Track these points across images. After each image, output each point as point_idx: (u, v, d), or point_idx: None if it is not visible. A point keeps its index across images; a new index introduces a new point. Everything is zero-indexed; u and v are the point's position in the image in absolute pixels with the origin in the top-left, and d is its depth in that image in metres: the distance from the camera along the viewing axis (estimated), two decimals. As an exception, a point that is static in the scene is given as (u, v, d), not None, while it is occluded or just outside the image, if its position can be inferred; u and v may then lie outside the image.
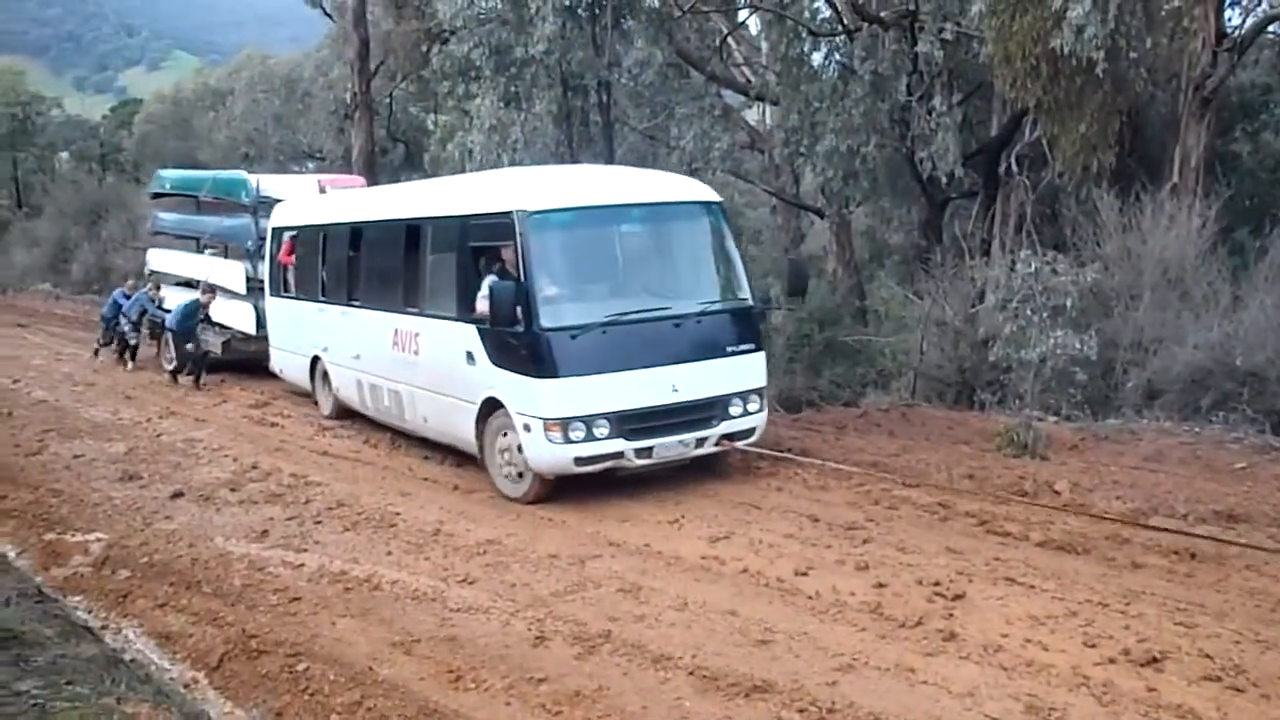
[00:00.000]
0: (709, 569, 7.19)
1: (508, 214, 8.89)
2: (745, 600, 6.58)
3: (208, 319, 16.32)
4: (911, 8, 15.38)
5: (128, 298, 18.31)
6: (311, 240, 13.42)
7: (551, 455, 8.60)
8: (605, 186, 9.98)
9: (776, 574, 6.98)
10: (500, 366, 8.96)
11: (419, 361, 10.24)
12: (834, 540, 7.66)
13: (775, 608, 6.46)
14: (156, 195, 21.69)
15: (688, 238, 9.96)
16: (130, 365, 17.93)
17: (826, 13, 18.11)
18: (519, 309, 8.56)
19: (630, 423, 8.65)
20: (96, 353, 18.89)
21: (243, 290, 16.25)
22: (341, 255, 12.37)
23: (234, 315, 16.48)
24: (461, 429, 9.63)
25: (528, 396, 8.70)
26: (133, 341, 18.03)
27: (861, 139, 15.80)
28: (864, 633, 6.04)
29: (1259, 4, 16.31)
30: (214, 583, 7.24)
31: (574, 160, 16.37)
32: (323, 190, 16.44)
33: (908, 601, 6.48)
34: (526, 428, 8.68)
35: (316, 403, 13.42)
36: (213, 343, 16.59)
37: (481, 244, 9.42)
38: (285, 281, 14.27)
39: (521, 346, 8.70)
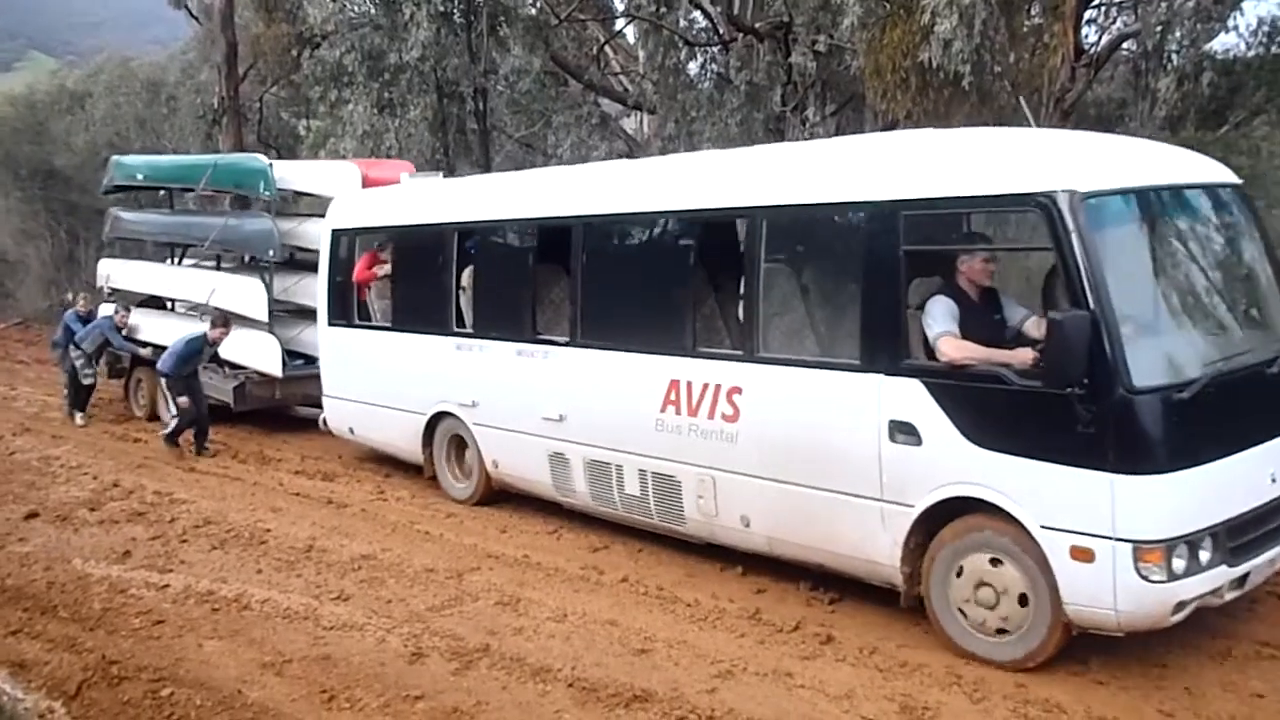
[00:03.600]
0: (589, 579, 7.15)
1: (1029, 198, 5.50)
2: (625, 610, 6.56)
3: (216, 358, 12.10)
4: (785, 19, 15.61)
5: (83, 321, 13.78)
6: (428, 248, 9.47)
7: (1142, 601, 5.21)
8: (1147, 157, 6.46)
9: (657, 583, 6.99)
10: (1000, 449, 5.52)
11: (741, 431, 6.68)
12: (714, 548, 7.66)
13: (655, 616, 6.45)
14: (118, 189, 16.44)
15: (1236, 237, 6.40)
16: (80, 418, 13.44)
17: (703, 23, 18.28)
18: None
19: (1232, 537, 5.43)
20: (73, 414, 13.61)
21: (264, 317, 12.10)
22: (516, 269, 8.60)
23: (252, 351, 12.22)
24: (856, 544, 6.22)
25: (1090, 502, 5.21)
26: (87, 381, 13.46)
27: (738, 147, 15.96)
28: (743, 639, 6.07)
29: (1114, 22, 17.03)
30: (72, 607, 6.90)
31: (451, 172, 16.02)
32: (362, 181, 12.08)
33: (786, 606, 6.54)
34: (1080, 553, 5.25)
35: (432, 478, 9.60)
36: (219, 388, 12.27)
37: (928, 247, 6.10)
38: (362, 307, 10.35)
39: (1078, 417, 5.20)
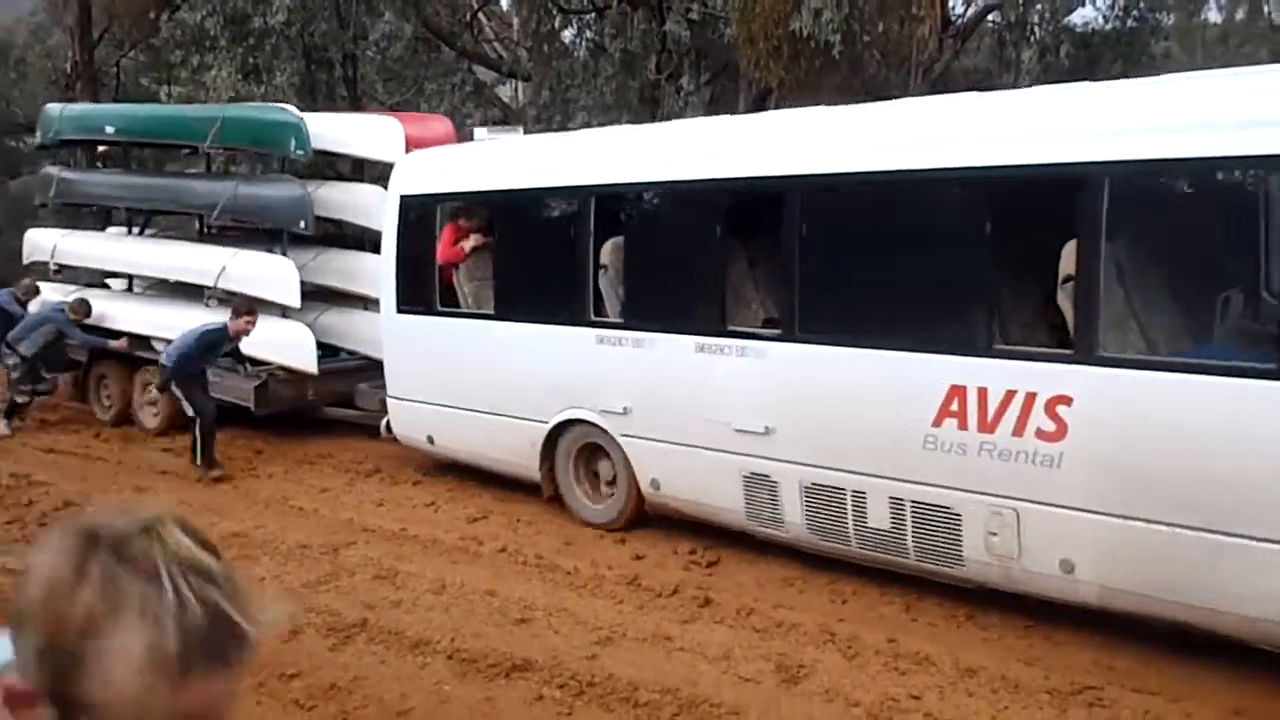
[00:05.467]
0: (467, 550, 7.11)
1: None
2: (504, 579, 6.53)
3: (235, 353, 9.80)
4: (659, -13, 15.63)
5: (22, 305, 11.44)
6: (550, 219, 8.17)
7: None
8: None
9: (536, 551, 6.98)
10: None
11: (1068, 453, 5.14)
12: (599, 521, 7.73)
13: (534, 585, 6.44)
14: (60, 143, 13.37)
15: None
16: (7, 426, 10.85)
17: (577, -10, 18.17)
18: None
19: None
20: (10, 412, 10.99)
21: (296, 302, 10.05)
22: (695, 244, 6.86)
23: (277, 343, 9.99)
24: None
25: None
26: (21, 399, 10.91)
27: (613, 116, 15.94)
28: (622, 605, 6.10)
29: (979, -6, 17.46)
30: (-80, 595, 6.58)
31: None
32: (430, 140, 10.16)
33: (665, 571, 6.61)
34: None
35: (555, 498, 7.80)
36: (235, 388, 10.13)
37: None
38: (447, 290, 8.43)
39: None
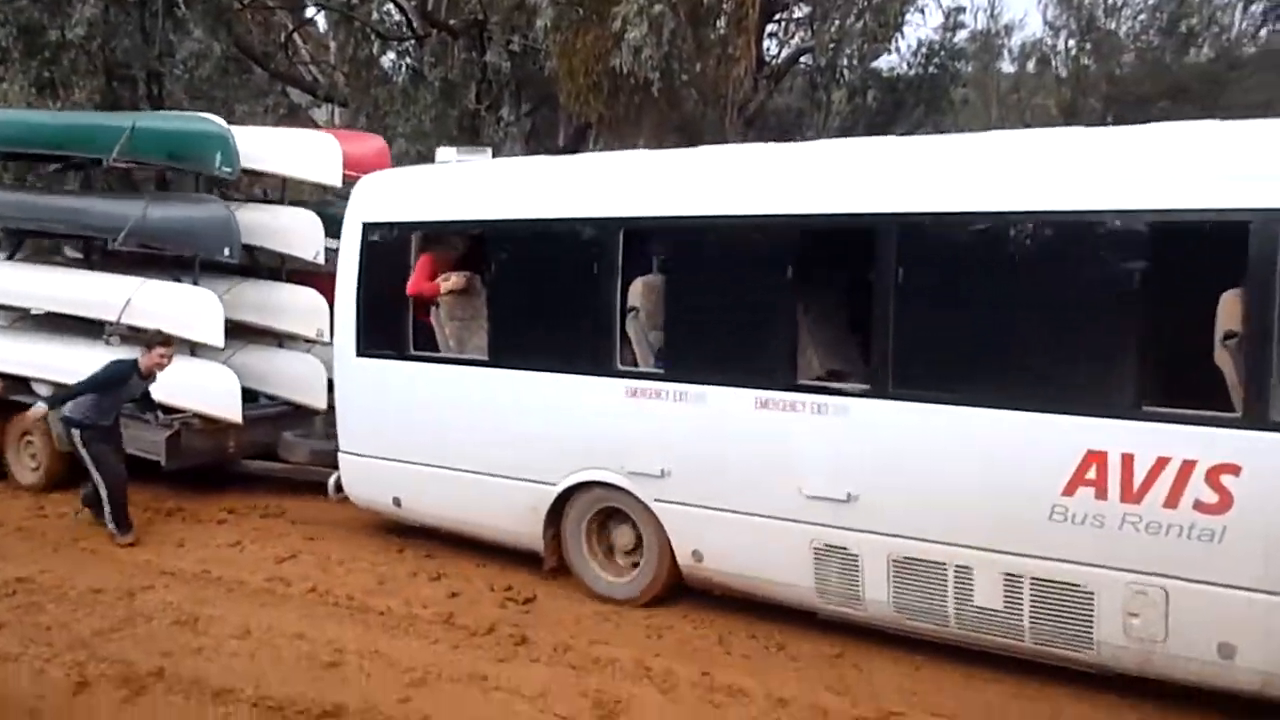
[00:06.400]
0: (274, 591, 6.84)
1: None
2: (314, 621, 6.31)
3: (144, 398, 8.29)
4: (480, 17, 15.61)
5: None
6: (563, 254, 6.77)
7: None
8: None
9: (347, 592, 6.78)
10: None
11: (1232, 527, 4.73)
12: (407, 551, 7.59)
13: (346, 627, 6.24)
14: None
15: None
16: None
17: (396, 16, 17.97)
18: None
19: None
20: None
21: (219, 341, 8.72)
22: (755, 286, 6.08)
23: (198, 387, 8.81)
24: None
25: None
26: None
27: (432, 143, 15.80)
28: (437, 645, 5.98)
29: (793, 37, 18.14)
30: None
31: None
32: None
33: (480, 609, 6.51)
34: None
35: (556, 569, 6.97)
36: (141, 439, 8.71)
37: None
38: (422, 332, 7.44)
39: None
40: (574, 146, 16.64)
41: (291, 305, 9.31)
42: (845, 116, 19.84)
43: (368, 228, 7.57)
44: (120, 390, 7.89)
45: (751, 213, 6.05)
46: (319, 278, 9.21)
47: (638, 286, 6.54)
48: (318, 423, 9.23)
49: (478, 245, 7.39)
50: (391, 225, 7.53)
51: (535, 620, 6.34)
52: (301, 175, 9.91)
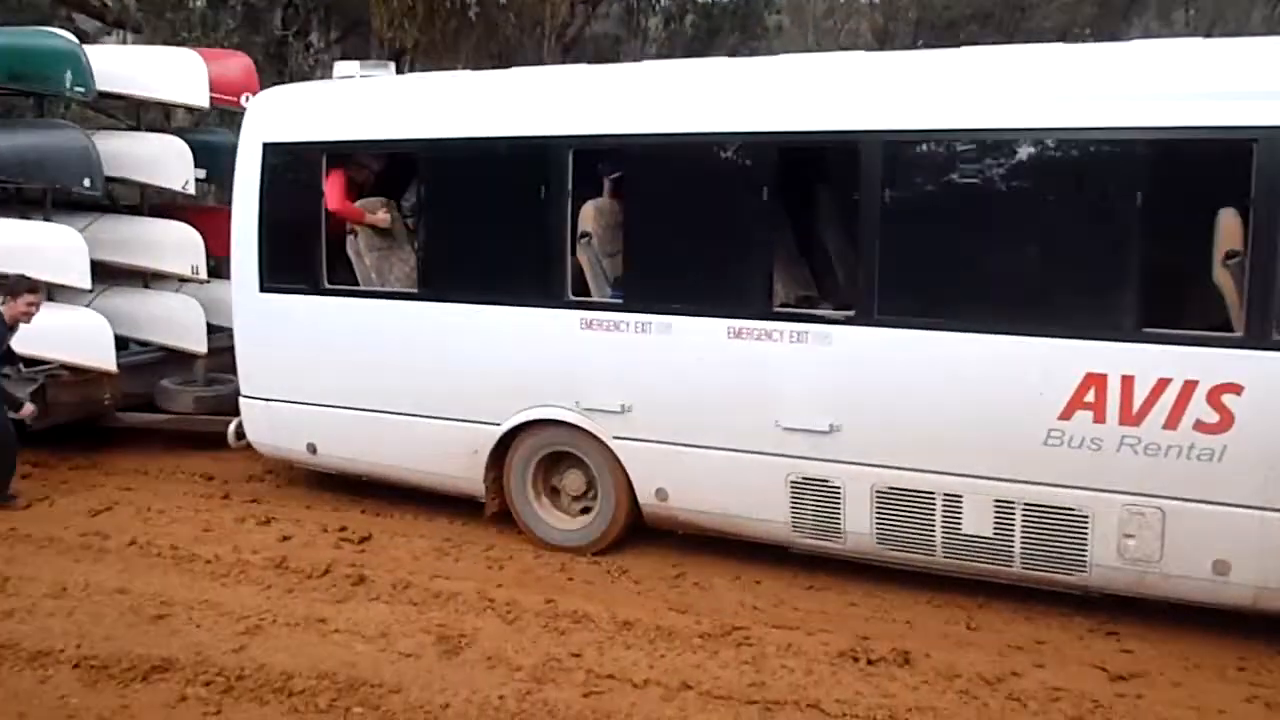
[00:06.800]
0: (91, 546, 6.48)
1: None
2: (136, 575, 6.02)
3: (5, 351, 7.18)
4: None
5: None
6: (505, 176, 6.33)
7: None
8: None
9: (170, 542, 6.47)
10: None
11: (1231, 446, 4.79)
12: (233, 497, 7.34)
13: (171, 578, 5.98)
14: None
15: None
16: None
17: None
18: None
19: None
20: None
21: (86, 283, 7.99)
22: (723, 207, 5.81)
23: (65, 335, 7.86)
24: None
25: None
26: None
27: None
28: (270, 590, 5.80)
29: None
30: None
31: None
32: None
33: (314, 551, 6.35)
34: None
35: (497, 514, 6.60)
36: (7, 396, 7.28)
37: None
38: (339, 262, 6.94)
39: None
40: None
41: (161, 241, 8.67)
42: (662, 43, 19.85)
43: (269, 149, 6.89)
44: None
45: (725, 130, 5.71)
46: (185, 210, 8.76)
47: (589, 211, 6.25)
48: (198, 368, 8.71)
49: (392, 167, 6.98)
50: (298, 147, 6.88)
51: (372, 559, 6.22)
52: (165, 97, 9.18)
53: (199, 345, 8.63)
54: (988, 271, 5.21)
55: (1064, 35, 13.84)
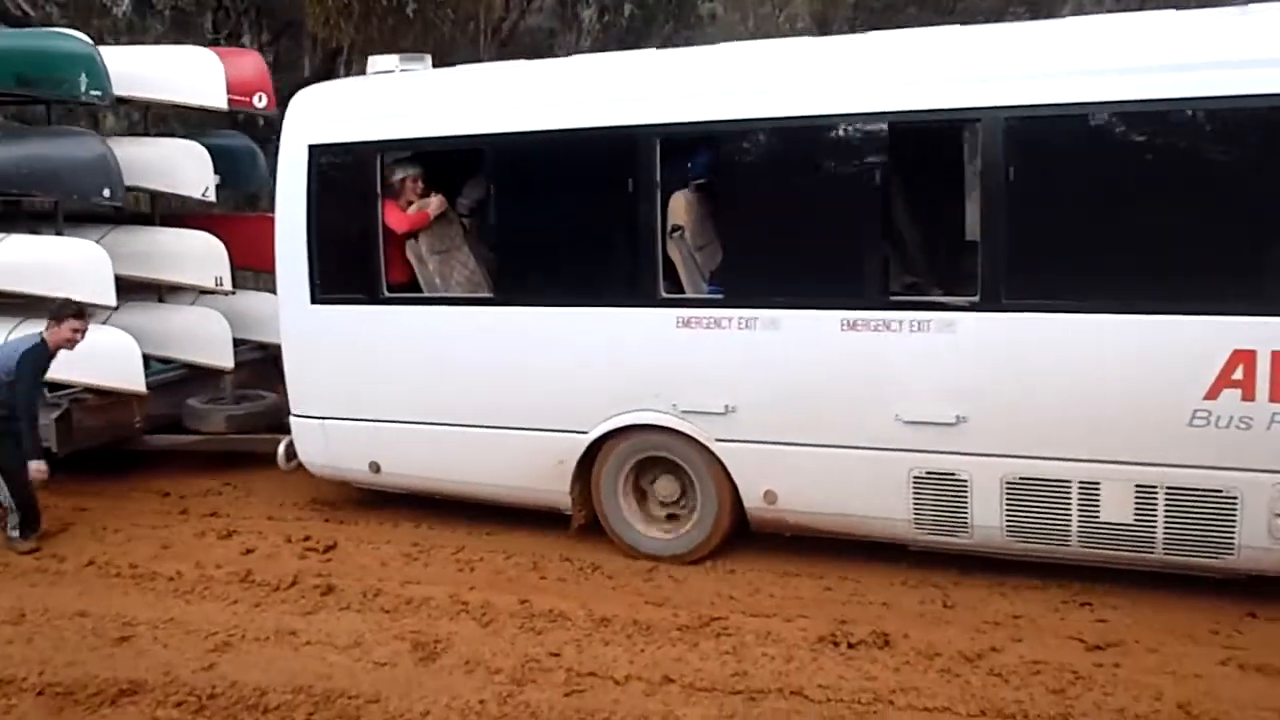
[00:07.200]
0: (47, 570, 6.30)
1: None
2: (96, 597, 5.86)
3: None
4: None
5: None
6: (581, 171, 6.05)
7: None
8: None
9: (129, 560, 6.32)
10: None
11: None
12: (191, 511, 7.19)
13: (133, 598, 5.84)
14: None
15: None
16: None
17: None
18: None
19: None
20: None
21: (112, 300, 7.42)
22: (833, 195, 5.56)
23: (90, 357, 7.01)
24: None
25: None
26: None
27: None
28: (236, 605, 5.67)
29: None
30: None
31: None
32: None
33: (279, 563, 6.23)
34: None
35: (584, 527, 6.25)
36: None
37: None
38: (397, 270, 6.54)
39: None
40: (324, 74, 15.90)
41: (182, 252, 8.18)
42: (596, 35, 19.77)
43: (316, 151, 6.52)
44: (36, 377, 6.57)
45: (836, 111, 5.40)
46: (202, 219, 8.38)
47: (679, 203, 6.01)
48: (226, 385, 8.33)
49: (446, 166, 6.67)
50: (349, 147, 6.51)
51: (339, 568, 6.12)
52: (182, 99, 8.63)
53: (225, 361, 8.17)
54: (1124, 250, 4.99)
55: (1002, 15, 13.95)
